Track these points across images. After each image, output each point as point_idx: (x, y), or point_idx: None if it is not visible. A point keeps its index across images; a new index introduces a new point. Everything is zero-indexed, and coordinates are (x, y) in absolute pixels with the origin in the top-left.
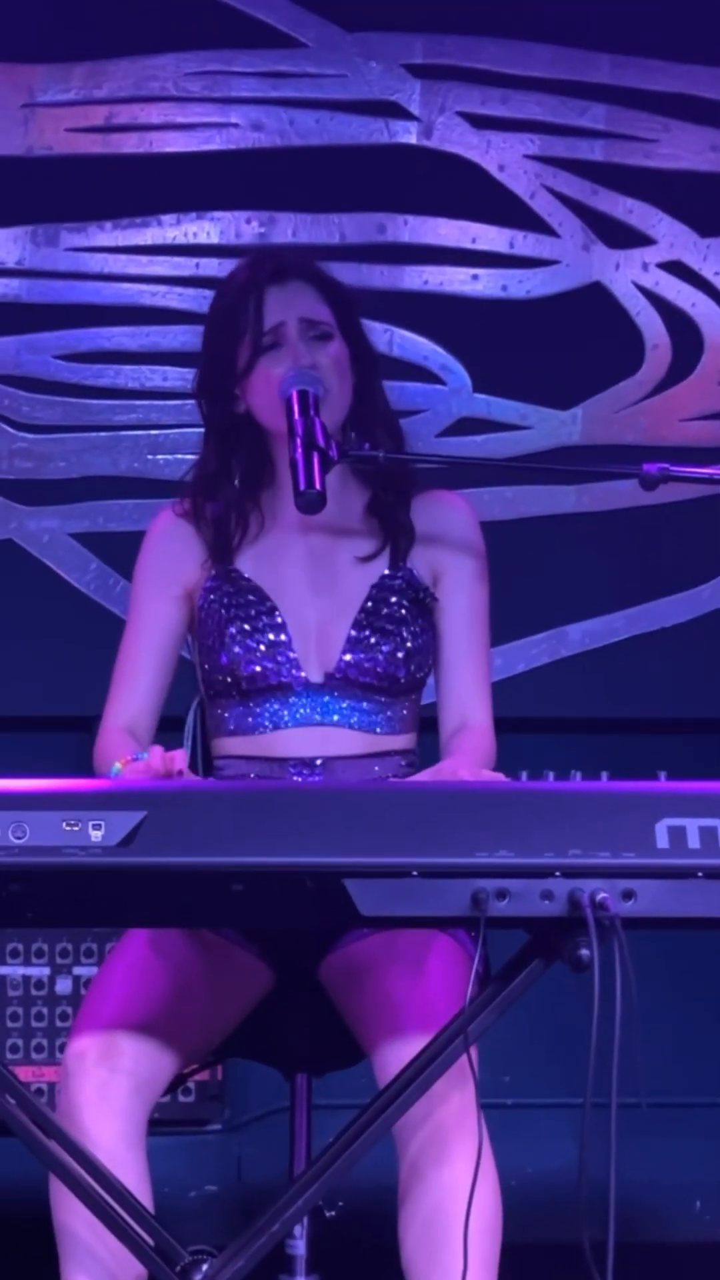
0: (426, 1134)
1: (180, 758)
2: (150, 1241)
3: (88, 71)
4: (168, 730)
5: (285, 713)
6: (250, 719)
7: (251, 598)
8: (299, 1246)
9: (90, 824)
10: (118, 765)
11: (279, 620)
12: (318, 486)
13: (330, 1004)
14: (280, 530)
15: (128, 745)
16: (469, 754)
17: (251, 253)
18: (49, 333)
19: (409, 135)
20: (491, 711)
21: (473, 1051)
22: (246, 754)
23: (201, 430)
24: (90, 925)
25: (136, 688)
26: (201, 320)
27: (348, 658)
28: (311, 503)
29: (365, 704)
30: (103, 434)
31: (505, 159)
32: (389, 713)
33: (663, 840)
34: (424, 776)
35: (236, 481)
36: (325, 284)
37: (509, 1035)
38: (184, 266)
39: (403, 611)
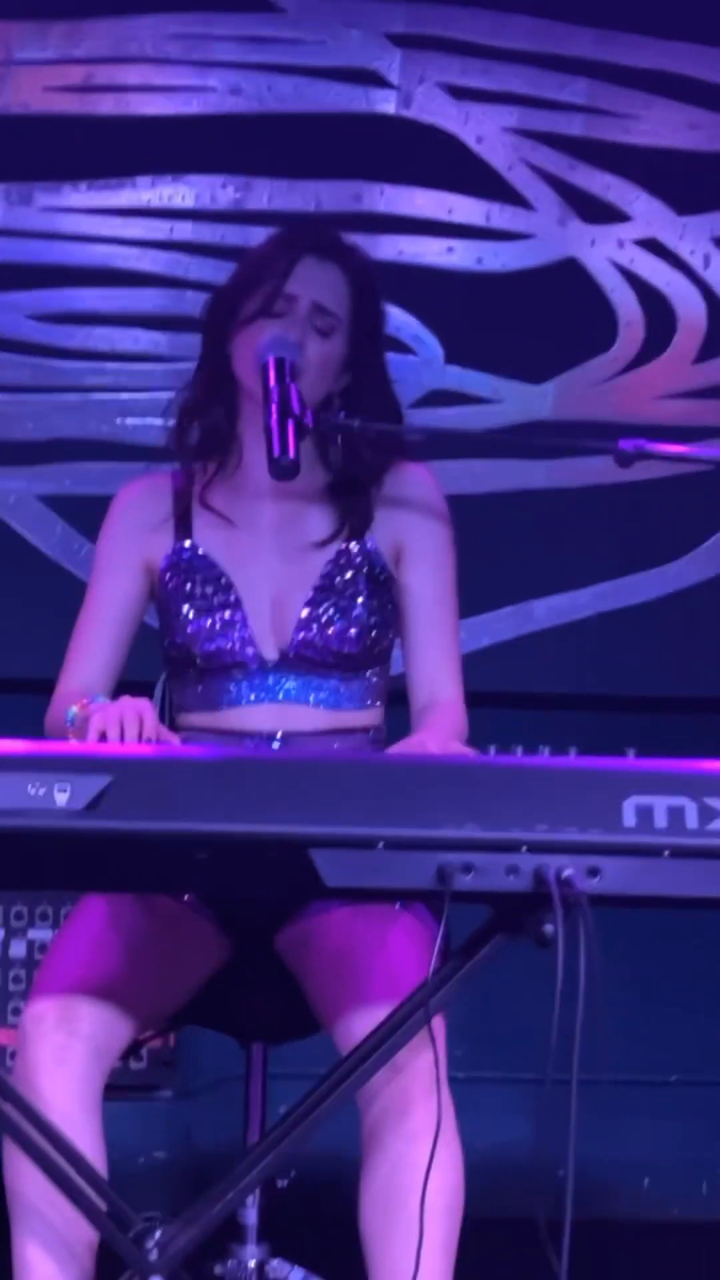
0: (388, 1103)
1: (148, 706)
2: (103, 1206)
3: (66, 31)
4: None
5: (242, 690)
6: (208, 696)
7: (208, 574)
8: (250, 1215)
9: (56, 787)
10: (74, 709)
11: (234, 598)
12: (291, 454)
13: (288, 973)
14: (241, 502)
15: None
16: (438, 728)
17: (309, 216)
18: (21, 292)
19: (388, 104)
20: (462, 685)
21: (438, 1023)
22: (206, 727)
23: (170, 394)
24: (54, 889)
25: (93, 661)
26: (174, 284)
27: (302, 635)
28: (285, 470)
29: (322, 680)
30: (72, 396)
31: (484, 131)
32: (349, 689)
33: (630, 818)
34: (394, 750)
35: (223, 415)
36: (358, 279)
37: (464, 1009)
38: (158, 230)
39: (357, 587)
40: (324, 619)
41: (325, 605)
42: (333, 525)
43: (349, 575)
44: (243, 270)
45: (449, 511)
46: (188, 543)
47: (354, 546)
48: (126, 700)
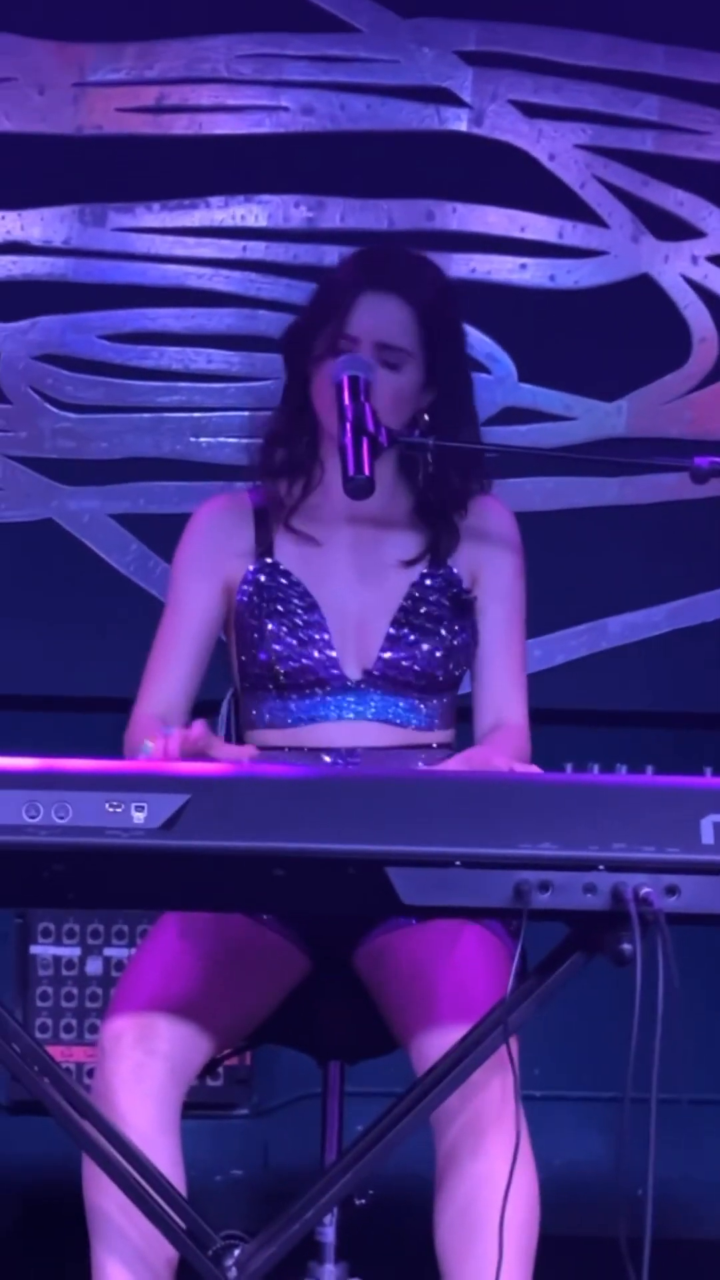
0: (464, 1123)
1: (197, 727)
2: (182, 1224)
3: (139, 51)
4: (201, 715)
5: (323, 708)
6: (287, 713)
7: (292, 592)
8: (329, 1234)
9: (133, 806)
10: (149, 744)
11: (319, 616)
12: (366, 472)
13: (365, 991)
14: (324, 524)
15: (159, 729)
16: (502, 749)
17: (370, 246)
18: (94, 312)
19: (460, 122)
20: (527, 710)
21: (513, 1042)
22: (282, 745)
23: (245, 414)
24: (131, 907)
25: (171, 677)
26: (247, 303)
27: (386, 655)
28: (359, 488)
29: (403, 701)
30: (145, 415)
31: (556, 148)
32: (426, 709)
33: (708, 836)
34: (455, 761)
35: (305, 445)
36: (424, 307)
37: (539, 1028)
38: (231, 249)
39: (442, 610)
40: (409, 639)
41: (409, 627)
42: (418, 547)
43: (433, 598)
44: (313, 303)
45: (522, 542)
46: (270, 560)
47: (437, 570)
48: (179, 733)
